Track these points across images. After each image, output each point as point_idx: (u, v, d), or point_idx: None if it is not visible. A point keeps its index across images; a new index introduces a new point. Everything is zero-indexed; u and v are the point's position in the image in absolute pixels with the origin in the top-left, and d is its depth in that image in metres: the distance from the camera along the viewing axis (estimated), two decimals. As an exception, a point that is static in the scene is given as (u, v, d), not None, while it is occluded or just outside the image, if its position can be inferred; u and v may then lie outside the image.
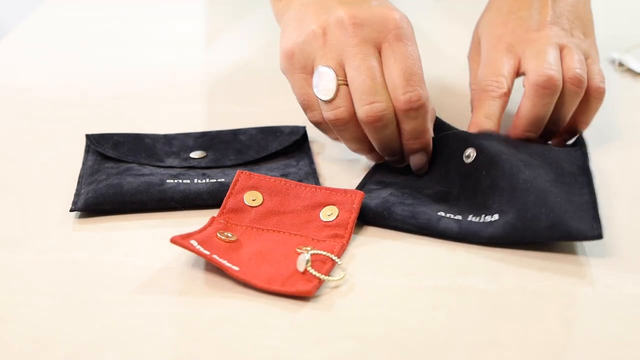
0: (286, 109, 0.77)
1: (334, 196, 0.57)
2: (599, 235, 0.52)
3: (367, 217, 0.57)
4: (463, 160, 0.60)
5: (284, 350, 0.46)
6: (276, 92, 0.82)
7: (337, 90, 0.59)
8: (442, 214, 0.57)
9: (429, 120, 0.60)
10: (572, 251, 0.54)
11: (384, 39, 0.59)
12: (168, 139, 0.68)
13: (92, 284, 0.51)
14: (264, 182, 0.59)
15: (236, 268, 0.51)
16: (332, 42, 0.60)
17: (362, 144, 0.62)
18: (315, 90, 0.60)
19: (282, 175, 0.62)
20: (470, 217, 0.56)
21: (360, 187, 0.62)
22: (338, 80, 0.59)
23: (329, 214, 0.56)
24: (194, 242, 0.52)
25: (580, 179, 0.58)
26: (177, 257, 0.53)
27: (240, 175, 0.59)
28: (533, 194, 0.55)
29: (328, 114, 0.60)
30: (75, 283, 0.51)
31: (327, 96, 0.59)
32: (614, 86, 0.83)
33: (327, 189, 0.58)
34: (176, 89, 0.84)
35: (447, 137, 0.63)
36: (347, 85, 0.59)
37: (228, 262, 0.51)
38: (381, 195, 0.59)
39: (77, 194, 0.60)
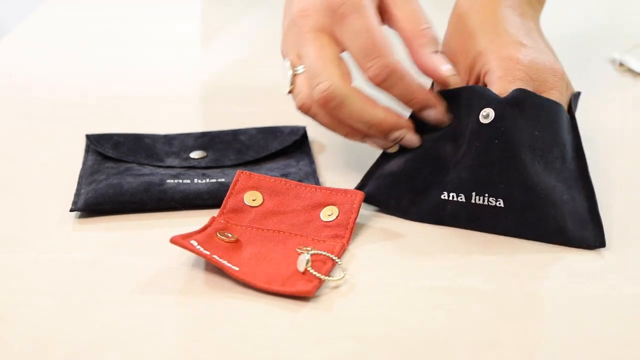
0: (286, 109, 0.77)
1: (334, 196, 0.57)
2: (601, 244, 0.54)
3: (373, 199, 0.60)
4: (479, 119, 0.56)
5: (284, 350, 0.46)
6: (276, 92, 0.82)
7: (293, 79, 0.60)
8: (445, 195, 0.56)
9: (408, 76, 0.58)
10: (572, 251, 0.54)
11: (333, 23, 0.59)
12: (168, 139, 0.68)
13: (92, 284, 0.51)
14: (264, 182, 0.59)
15: (236, 268, 0.51)
16: (290, 39, 0.61)
17: (346, 127, 0.60)
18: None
19: (282, 175, 0.62)
20: (474, 197, 0.56)
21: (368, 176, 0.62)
22: (293, 70, 0.60)
23: (329, 214, 0.56)
24: (194, 242, 0.52)
25: (579, 170, 0.58)
26: (177, 257, 0.53)
27: (240, 175, 0.59)
28: (543, 190, 0.55)
29: (295, 103, 0.61)
30: (75, 283, 0.51)
31: (288, 87, 0.61)
32: (614, 86, 0.83)
33: (327, 189, 0.58)
34: (176, 89, 0.84)
35: (468, 91, 0.59)
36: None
37: (228, 262, 0.51)
38: (393, 166, 0.60)
39: (77, 194, 0.60)
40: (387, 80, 0.57)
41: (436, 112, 0.59)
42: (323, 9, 0.59)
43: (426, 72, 0.60)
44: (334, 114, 0.59)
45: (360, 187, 0.61)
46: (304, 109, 0.60)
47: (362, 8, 0.58)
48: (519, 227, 0.55)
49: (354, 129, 0.60)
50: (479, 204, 0.56)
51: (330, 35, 0.59)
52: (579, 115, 0.63)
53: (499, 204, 0.55)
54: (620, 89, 0.82)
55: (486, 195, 0.55)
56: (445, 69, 0.59)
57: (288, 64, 0.61)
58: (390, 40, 0.58)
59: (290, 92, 0.61)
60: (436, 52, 0.60)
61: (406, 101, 0.59)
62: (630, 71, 0.85)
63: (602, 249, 0.54)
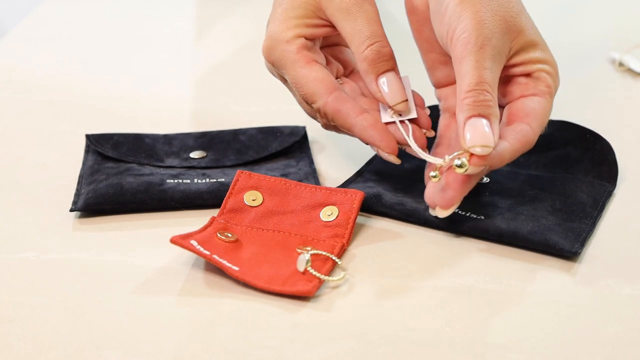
0: (286, 109, 0.77)
1: (334, 196, 0.57)
2: (575, 253, 0.53)
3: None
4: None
5: (284, 350, 0.46)
6: (276, 92, 0.82)
7: None
8: None
9: (344, 113, 0.57)
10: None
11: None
12: (168, 138, 0.68)
13: (92, 284, 0.51)
14: (264, 182, 0.59)
15: (236, 268, 0.51)
16: None
17: None
18: None
19: (282, 175, 0.62)
20: (456, 209, 0.56)
21: (359, 174, 0.63)
22: None
23: (329, 214, 0.56)
24: (194, 242, 0.52)
25: (588, 210, 0.57)
26: (177, 257, 0.53)
27: (240, 175, 0.59)
28: (526, 218, 0.56)
29: None
30: (75, 283, 0.51)
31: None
32: (614, 86, 0.83)
33: (327, 188, 0.58)
34: (176, 89, 0.84)
35: None
36: None
37: (228, 262, 0.51)
38: (374, 188, 0.60)
39: (77, 194, 0.60)
40: (327, 124, 0.59)
41: (380, 151, 0.57)
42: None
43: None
44: None
45: (353, 180, 0.62)
46: None
47: (290, 63, 0.59)
48: (495, 230, 0.55)
49: None
50: (460, 213, 0.56)
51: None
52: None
53: (480, 218, 0.56)
54: (620, 89, 0.82)
55: (469, 213, 0.56)
56: (388, 99, 0.56)
57: None
58: (321, 78, 0.57)
59: None
60: (383, 73, 0.56)
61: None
62: (630, 71, 0.85)
63: (601, 249, 0.54)
